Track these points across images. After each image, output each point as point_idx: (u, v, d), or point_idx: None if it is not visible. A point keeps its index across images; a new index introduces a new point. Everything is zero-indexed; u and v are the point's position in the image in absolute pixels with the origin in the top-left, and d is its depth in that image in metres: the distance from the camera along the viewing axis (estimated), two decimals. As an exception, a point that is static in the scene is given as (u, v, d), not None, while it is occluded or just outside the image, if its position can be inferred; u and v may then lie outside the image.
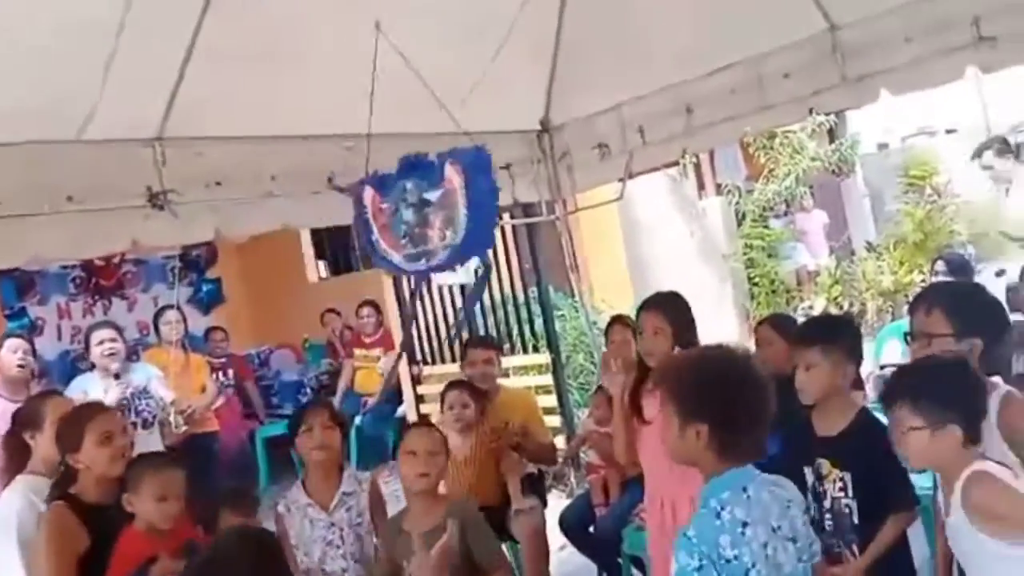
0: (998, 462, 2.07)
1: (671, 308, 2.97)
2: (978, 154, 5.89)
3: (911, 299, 2.85)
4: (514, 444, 3.96)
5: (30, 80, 2.82)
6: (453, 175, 2.63)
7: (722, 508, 1.82)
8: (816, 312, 8.83)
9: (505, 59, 3.50)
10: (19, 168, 2.99)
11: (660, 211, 9.29)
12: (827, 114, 8.09)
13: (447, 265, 2.76)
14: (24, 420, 2.97)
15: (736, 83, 3.91)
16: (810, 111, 3.86)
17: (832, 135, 10.01)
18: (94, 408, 2.97)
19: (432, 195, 2.67)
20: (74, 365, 7.29)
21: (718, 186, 9.77)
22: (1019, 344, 3.54)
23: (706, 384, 1.91)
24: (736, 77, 3.91)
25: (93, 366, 4.88)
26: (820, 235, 10.10)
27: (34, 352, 4.52)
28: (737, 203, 9.55)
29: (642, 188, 8.32)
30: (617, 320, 4.29)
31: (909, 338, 2.44)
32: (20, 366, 4.31)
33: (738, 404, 1.87)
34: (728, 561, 1.77)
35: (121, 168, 3.29)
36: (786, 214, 10.06)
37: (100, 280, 8.30)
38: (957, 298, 2.45)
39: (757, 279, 9.46)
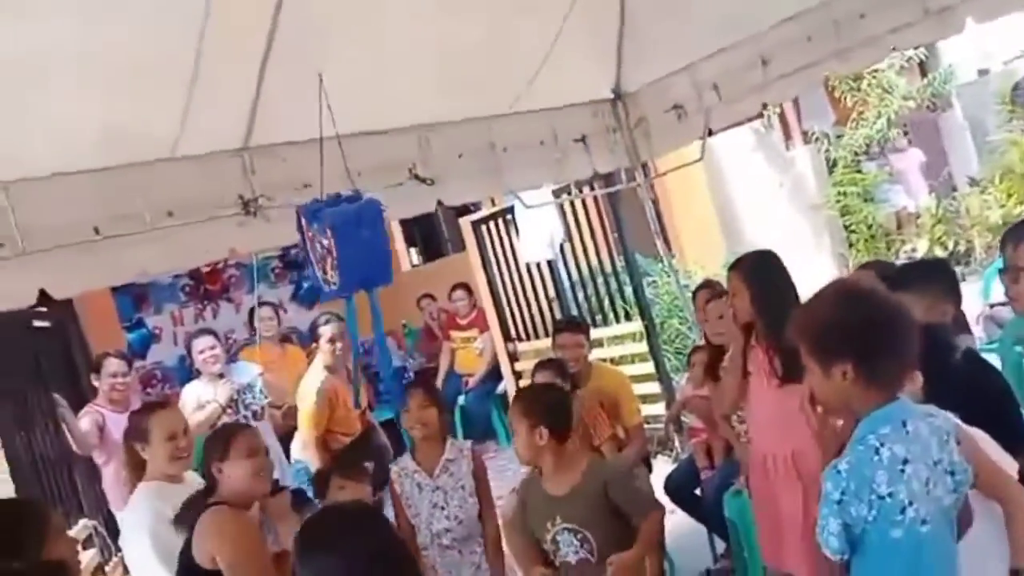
0: None
1: (748, 268, 2.99)
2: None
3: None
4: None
5: (119, 106, 2.98)
6: (329, 233, 3.12)
7: (881, 444, 1.76)
8: (920, 255, 8.50)
9: (570, 31, 3.49)
10: (118, 190, 3.16)
11: (747, 165, 9.08)
12: (915, 48, 7.71)
13: (337, 296, 3.31)
14: (132, 434, 3.12)
15: (810, 29, 3.80)
16: (892, 49, 3.72)
17: (923, 69, 9.53)
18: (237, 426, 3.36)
19: (324, 240, 3.16)
20: (192, 368, 7.66)
21: (804, 134, 9.46)
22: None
23: (840, 319, 1.83)
24: (810, 23, 3.80)
25: (199, 372, 5.16)
26: (918, 174, 9.65)
27: (130, 366, 4.81)
28: (827, 150, 9.23)
29: (726, 144, 8.14)
30: (705, 286, 4.27)
31: (1002, 275, 2.35)
32: (119, 389, 4.65)
33: (877, 331, 1.80)
34: (882, 498, 1.73)
35: (213, 180, 3.43)
36: (880, 155, 9.65)
37: (207, 286, 8.66)
38: None
39: (853, 226, 9.12)
